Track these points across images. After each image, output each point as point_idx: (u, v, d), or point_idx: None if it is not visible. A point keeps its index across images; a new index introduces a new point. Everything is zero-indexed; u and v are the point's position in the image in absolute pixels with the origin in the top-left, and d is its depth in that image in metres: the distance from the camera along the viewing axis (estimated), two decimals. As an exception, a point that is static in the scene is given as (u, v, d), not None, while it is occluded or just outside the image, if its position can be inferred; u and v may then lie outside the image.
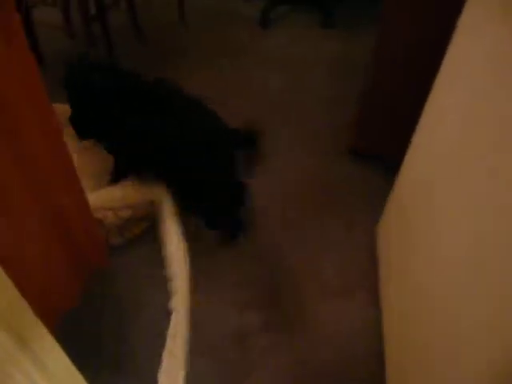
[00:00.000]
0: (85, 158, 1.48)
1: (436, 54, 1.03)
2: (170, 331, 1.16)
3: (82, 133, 1.36)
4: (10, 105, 0.86)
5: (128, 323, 1.24)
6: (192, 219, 1.47)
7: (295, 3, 2.76)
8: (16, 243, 0.99)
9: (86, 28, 1.99)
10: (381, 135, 1.63)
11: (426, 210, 1.02)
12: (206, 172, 1.32)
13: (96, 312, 1.26)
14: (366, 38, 2.35)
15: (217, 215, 1.46)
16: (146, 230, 1.49)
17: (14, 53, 0.84)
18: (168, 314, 1.22)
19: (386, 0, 1.34)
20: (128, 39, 2.40)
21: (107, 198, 1.38)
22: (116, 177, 1.49)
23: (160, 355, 1.13)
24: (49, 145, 1.00)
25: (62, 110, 1.29)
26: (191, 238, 1.44)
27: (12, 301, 0.67)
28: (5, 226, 0.92)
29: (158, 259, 1.40)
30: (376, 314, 1.27)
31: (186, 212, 1.43)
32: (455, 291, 0.80)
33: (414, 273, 1.03)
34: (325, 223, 1.54)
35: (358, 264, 1.42)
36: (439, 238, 0.91)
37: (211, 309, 1.30)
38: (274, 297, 1.34)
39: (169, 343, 1.14)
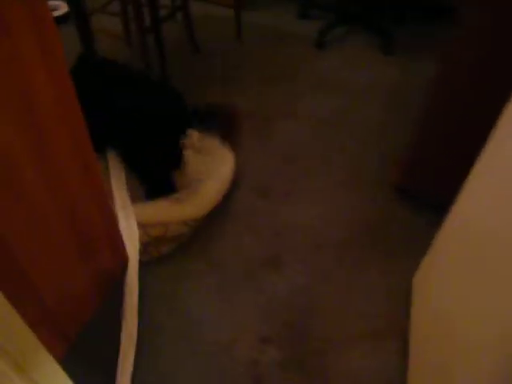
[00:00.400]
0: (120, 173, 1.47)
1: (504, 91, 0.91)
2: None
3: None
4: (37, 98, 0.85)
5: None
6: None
7: (353, 25, 2.68)
8: (39, 251, 0.98)
9: (141, 38, 2.02)
10: (430, 173, 1.50)
11: (472, 269, 0.90)
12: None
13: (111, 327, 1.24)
14: (425, 64, 2.23)
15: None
16: (173, 250, 1.46)
17: (44, 43, 0.81)
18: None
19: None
20: (183, 51, 2.43)
21: (137, 213, 1.36)
22: (150, 194, 1.48)
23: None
24: (75, 149, 1.00)
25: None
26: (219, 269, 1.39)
27: (11, 328, 0.64)
28: (23, 225, 0.91)
29: (178, 278, 1.36)
30: (402, 366, 1.17)
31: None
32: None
33: (448, 333, 0.92)
34: (358, 266, 1.44)
35: (389, 312, 1.31)
36: (485, 305, 0.79)
37: (230, 338, 1.25)
38: (297, 337, 1.26)
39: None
